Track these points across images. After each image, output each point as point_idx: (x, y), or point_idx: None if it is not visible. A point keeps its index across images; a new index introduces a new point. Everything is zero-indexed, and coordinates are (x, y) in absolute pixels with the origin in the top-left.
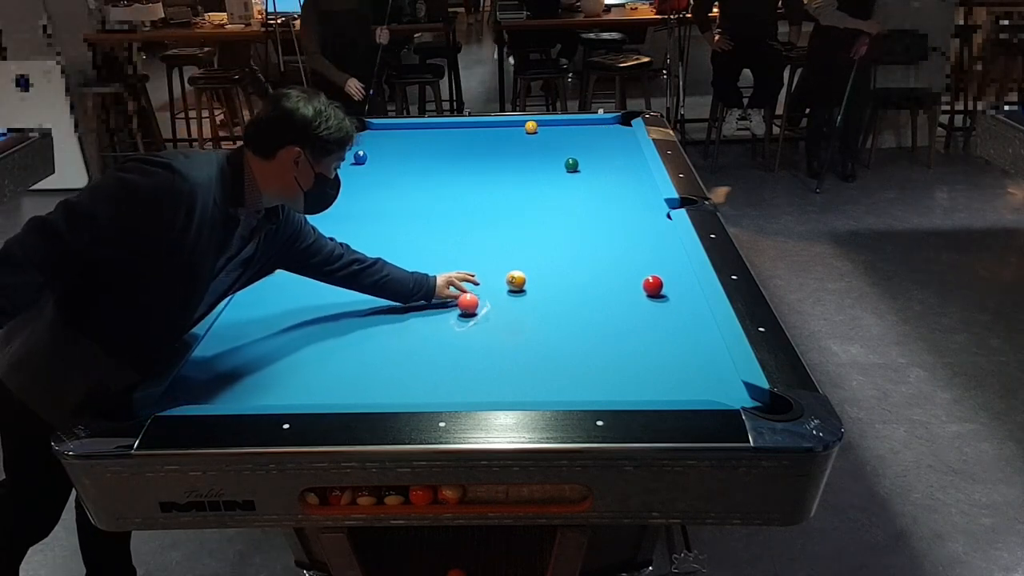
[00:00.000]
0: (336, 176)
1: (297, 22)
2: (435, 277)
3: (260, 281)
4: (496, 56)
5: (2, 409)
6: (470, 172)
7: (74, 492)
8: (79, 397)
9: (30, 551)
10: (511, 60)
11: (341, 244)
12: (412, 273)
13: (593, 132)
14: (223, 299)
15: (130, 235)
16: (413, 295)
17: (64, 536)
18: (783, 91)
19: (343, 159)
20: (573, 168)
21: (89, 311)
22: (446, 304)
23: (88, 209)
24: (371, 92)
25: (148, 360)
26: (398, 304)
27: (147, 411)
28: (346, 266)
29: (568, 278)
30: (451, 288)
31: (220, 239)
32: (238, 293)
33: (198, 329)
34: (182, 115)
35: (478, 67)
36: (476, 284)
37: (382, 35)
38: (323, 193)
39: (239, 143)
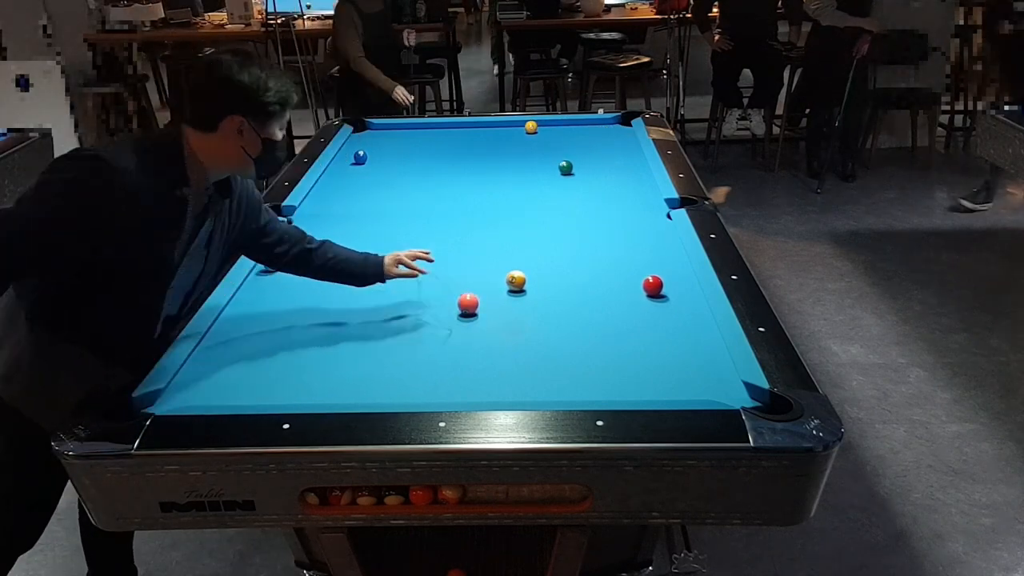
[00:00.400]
0: (283, 137)
1: (298, 22)
2: (383, 256)
3: (260, 281)
4: (496, 72)
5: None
6: (470, 172)
7: (75, 493)
8: (73, 400)
9: (30, 551)
10: (511, 58)
11: (292, 226)
12: (362, 253)
13: (593, 132)
14: (202, 284)
15: (76, 234)
16: (365, 276)
17: (64, 536)
18: (783, 91)
19: (287, 119)
20: (567, 171)
21: (59, 315)
22: (423, 303)
23: (28, 215)
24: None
25: (133, 355)
26: (396, 304)
27: (147, 411)
28: (296, 244)
29: (568, 278)
30: (400, 267)
31: (171, 223)
32: (239, 292)
33: (198, 329)
34: None
35: (478, 67)
36: (430, 261)
37: (410, 37)
38: (272, 157)
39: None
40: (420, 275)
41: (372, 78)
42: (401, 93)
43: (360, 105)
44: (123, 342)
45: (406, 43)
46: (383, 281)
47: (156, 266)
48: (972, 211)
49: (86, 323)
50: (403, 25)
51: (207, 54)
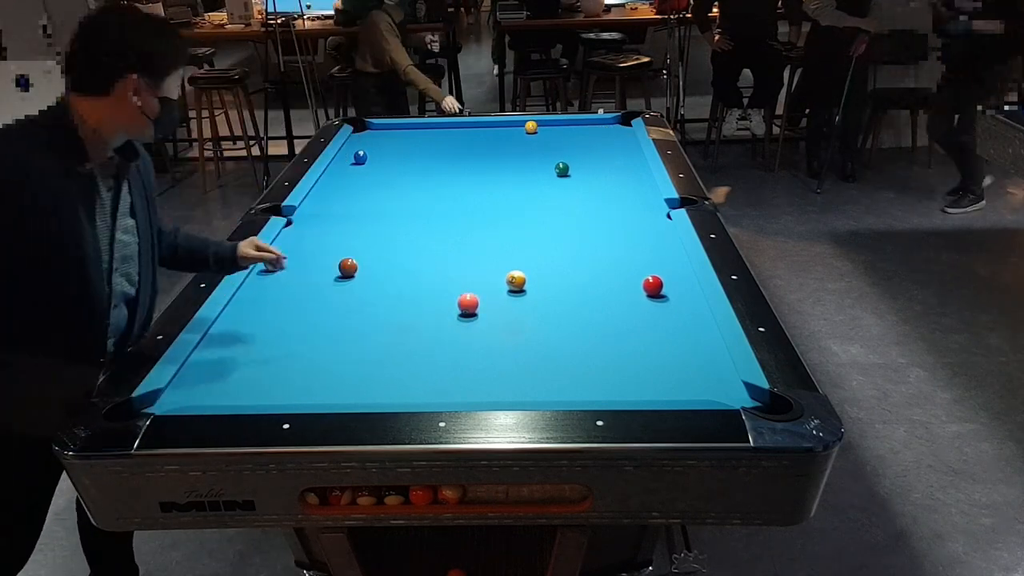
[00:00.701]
0: (179, 96)
1: (298, 22)
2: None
3: (260, 281)
4: (496, 72)
5: None
6: (470, 172)
7: (74, 493)
8: (50, 403)
9: None
10: (510, 58)
11: None
12: (215, 240)
13: (593, 132)
14: (146, 258)
15: None
16: (220, 258)
17: (64, 536)
18: (783, 91)
19: (183, 74)
20: (563, 172)
21: (7, 322)
22: (423, 303)
23: None
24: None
25: (96, 346)
26: (396, 304)
27: (147, 411)
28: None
29: (568, 278)
30: (257, 251)
31: (84, 201)
32: (239, 292)
33: (198, 329)
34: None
35: (478, 67)
36: (283, 257)
37: (433, 44)
38: (170, 117)
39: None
40: (282, 259)
41: (423, 87)
42: (451, 102)
43: (384, 108)
44: (79, 335)
45: (429, 48)
46: (240, 266)
47: (86, 248)
48: (960, 215)
49: (35, 323)
50: (414, 26)
51: (91, 13)
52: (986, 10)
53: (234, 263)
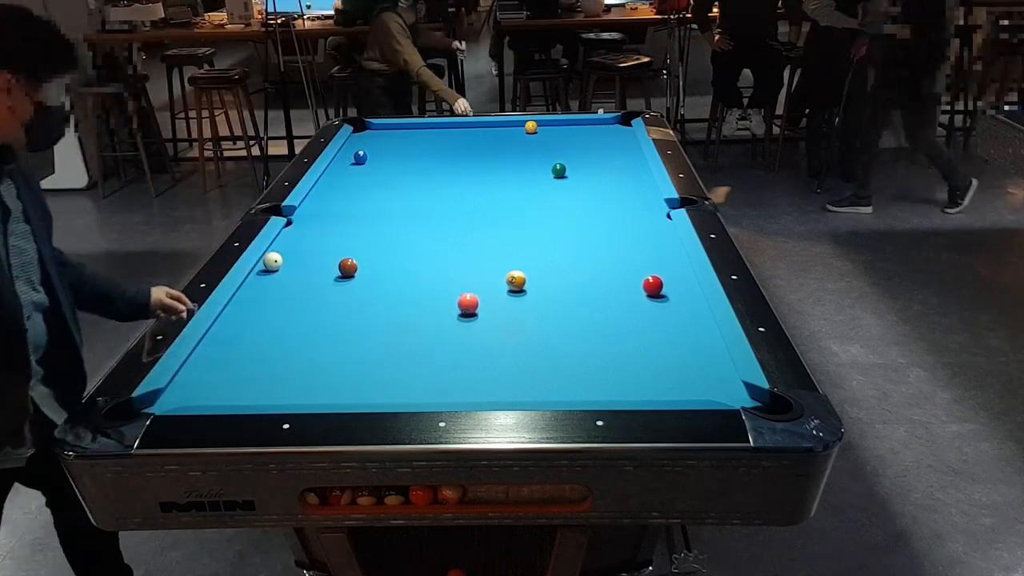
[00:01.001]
0: (62, 105)
1: (298, 22)
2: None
3: (260, 281)
4: (495, 72)
5: None
6: (470, 172)
7: (53, 505)
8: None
9: (30, 552)
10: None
11: None
12: (125, 283)
13: (593, 132)
14: (49, 263)
15: None
16: (127, 302)
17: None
18: (783, 91)
19: (67, 81)
20: (560, 174)
21: None
22: (423, 303)
23: None
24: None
25: (16, 360)
26: (396, 304)
27: (147, 411)
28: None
29: (568, 278)
30: (169, 298)
31: None
32: (239, 292)
33: (198, 329)
34: (182, 115)
35: (478, 67)
36: (192, 308)
37: (460, 51)
38: (47, 127)
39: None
40: (191, 309)
41: (436, 88)
42: (463, 104)
43: (392, 108)
44: None
45: (457, 53)
46: (146, 310)
47: None
48: (962, 209)
49: None
50: (433, 25)
51: None
52: (902, 15)
53: (145, 308)
